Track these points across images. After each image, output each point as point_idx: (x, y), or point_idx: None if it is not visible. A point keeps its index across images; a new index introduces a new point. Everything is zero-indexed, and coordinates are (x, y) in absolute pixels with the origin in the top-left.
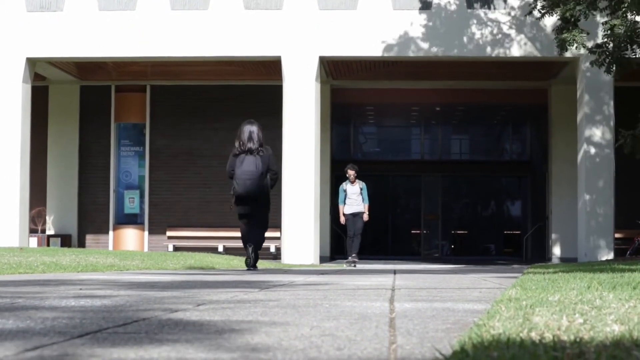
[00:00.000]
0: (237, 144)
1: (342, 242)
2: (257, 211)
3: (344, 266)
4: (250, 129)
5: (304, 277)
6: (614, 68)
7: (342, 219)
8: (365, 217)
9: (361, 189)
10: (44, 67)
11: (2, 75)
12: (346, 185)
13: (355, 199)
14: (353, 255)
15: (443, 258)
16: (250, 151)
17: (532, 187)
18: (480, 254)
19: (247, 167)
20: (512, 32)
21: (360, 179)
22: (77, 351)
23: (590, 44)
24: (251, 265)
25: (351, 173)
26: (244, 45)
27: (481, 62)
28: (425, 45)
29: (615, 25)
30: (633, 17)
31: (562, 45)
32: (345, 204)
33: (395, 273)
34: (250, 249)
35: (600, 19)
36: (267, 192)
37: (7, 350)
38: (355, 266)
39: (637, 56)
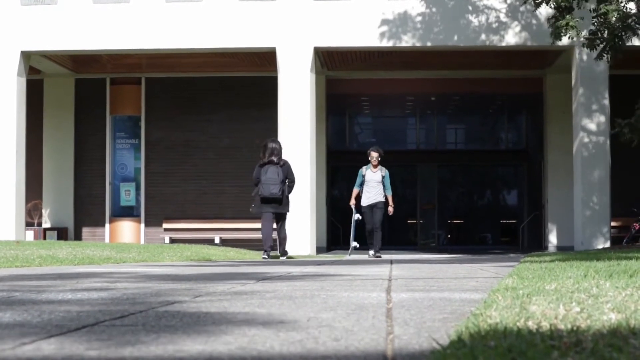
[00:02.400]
0: (262, 157)
1: (338, 232)
2: (280, 210)
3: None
4: (274, 146)
5: (301, 268)
6: (608, 55)
7: (352, 202)
8: (390, 209)
9: (383, 177)
10: (38, 60)
11: None
12: (366, 171)
13: (374, 187)
14: (375, 251)
15: (439, 248)
16: (273, 163)
17: (528, 176)
18: (476, 243)
19: (271, 175)
20: (507, 21)
21: (358, 169)
22: (74, 344)
23: (584, 32)
24: (281, 254)
25: (374, 155)
26: (239, 36)
27: (476, 51)
28: (420, 35)
29: (608, 11)
30: (625, 4)
31: (557, 34)
32: (361, 189)
33: (392, 263)
34: (267, 253)
35: (590, 5)
36: (287, 195)
37: (4, 344)
38: (380, 257)
39: (631, 43)
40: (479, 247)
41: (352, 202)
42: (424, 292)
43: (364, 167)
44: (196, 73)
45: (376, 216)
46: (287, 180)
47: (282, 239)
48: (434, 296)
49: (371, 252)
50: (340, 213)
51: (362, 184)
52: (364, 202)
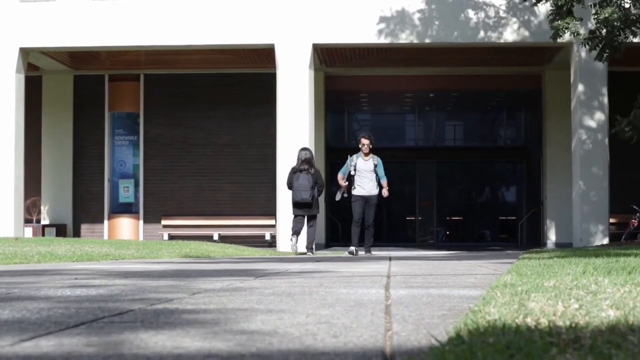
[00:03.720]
0: (295, 164)
1: (337, 229)
2: (310, 213)
3: (346, 253)
4: (305, 154)
5: (300, 264)
6: (606, 54)
7: (342, 182)
8: (385, 192)
9: (376, 166)
10: (37, 57)
11: None
12: (357, 159)
13: (367, 177)
14: (366, 250)
15: (438, 244)
16: (304, 170)
17: (527, 173)
18: (475, 240)
19: (302, 181)
20: (506, 18)
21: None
22: (73, 341)
23: (582, 31)
24: (304, 252)
25: (365, 142)
26: (237, 33)
27: (475, 48)
28: (419, 32)
29: (607, 14)
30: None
31: (556, 34)
32: (346, 175)
33: (391, 260)
34: (295, 239)
35: (591, 3)
36: (317, 199)
37: (3, 341)
38: (370, 253)
39: (629, 41)
40: (478, 243)
41: (344, 182)
42: (422, 288)
43: (355, 155)
44: (195, 70)
45: (369, 214)
46: (316, 185)
47: (311, 236)
48: (433, 293)
49: (361, 252)
50: (339, 210)
51: (348, 172)
52: (358, 192)
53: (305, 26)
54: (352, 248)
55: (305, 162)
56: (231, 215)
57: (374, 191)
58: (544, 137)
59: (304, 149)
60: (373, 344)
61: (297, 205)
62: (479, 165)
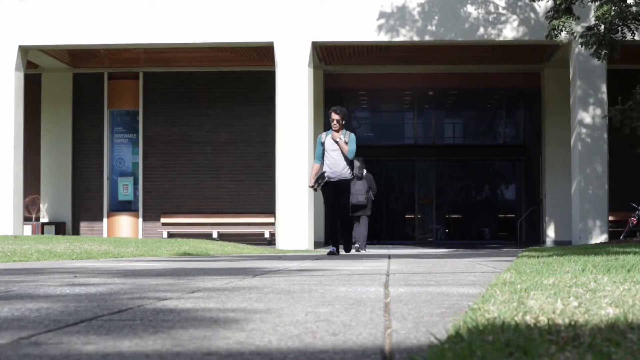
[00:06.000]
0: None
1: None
2: (364, 213)
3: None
4: (358, 164)
5: (299, 262)
6: (603, 52)
7: (312, 182)
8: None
9: (346, 143)
10: (36, 55)
11: None
12: (325, 137)
13: (337, 158)
14: (355, 247)
15: (437, 242)
16: (358, 178)
17: (526, 171)
18: (474, 238)
19: (358, 187)
20: (506, 15)
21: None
22: (72, 339)
23: (580, 28)
24: (358, 250)
25: (335, 118)
26: (237, 31)
27: (474, 46)
28: (418, 29)
29: (606, 10)
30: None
31: (552, 33)
32: (322, 163)
33: (390, 258)
34: (352, 243)
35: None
36: (370, 201)
37: (2, 339)
38: (359, 250)
39: (627, 38)
40: (477, 241)
41: (312, 182)
42: (421, 286)
43: (324, 134)
44: (194, 68)
45: (342, 199)
46: (370, 189)
47: (364, 236)
48: (432, 291)
49: (330, 249)
50: None
51: (323, 155)
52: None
53: (304, 24)
54: (332, 248)
55: (358, 171)
56: (230, 213)
57: (345, 173)
58: (543, 134)
59: (357, 158)
60: (372, 342)
61: (353, 208)
62: (478, 163)
